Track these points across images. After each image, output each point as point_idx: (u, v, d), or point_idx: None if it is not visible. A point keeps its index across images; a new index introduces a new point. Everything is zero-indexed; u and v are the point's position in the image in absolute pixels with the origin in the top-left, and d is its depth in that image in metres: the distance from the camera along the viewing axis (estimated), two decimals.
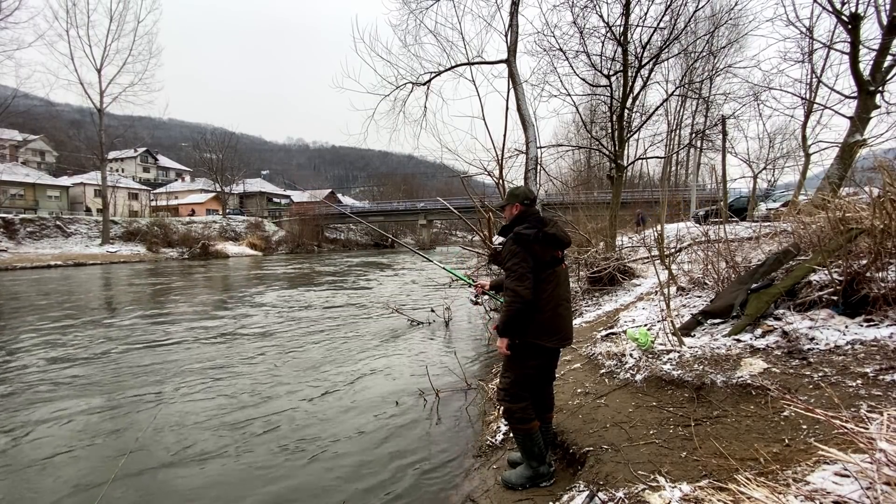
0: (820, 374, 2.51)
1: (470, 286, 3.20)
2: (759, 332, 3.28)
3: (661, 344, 3.49)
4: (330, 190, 69.17)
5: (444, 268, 3.92)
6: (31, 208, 38.90)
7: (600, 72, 9.31)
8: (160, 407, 4.33)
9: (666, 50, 9.08)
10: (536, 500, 2.33)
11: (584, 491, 2.14)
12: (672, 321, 3.53)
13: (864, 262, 3.25)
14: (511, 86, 9.76)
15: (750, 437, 2.18)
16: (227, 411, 4.22)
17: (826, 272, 3.44)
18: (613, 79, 9.29)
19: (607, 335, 4.39)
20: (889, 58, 7.24)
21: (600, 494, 2.00)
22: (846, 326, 2.98)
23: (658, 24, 8.55)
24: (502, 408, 2.48)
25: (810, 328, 3.07)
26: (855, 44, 7.43)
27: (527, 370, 2.37)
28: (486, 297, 3.10)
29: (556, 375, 3.01)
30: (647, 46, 8.83)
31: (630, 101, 9.34)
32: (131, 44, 31.57)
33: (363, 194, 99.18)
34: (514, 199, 2.47)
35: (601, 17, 8.74)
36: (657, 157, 22.33)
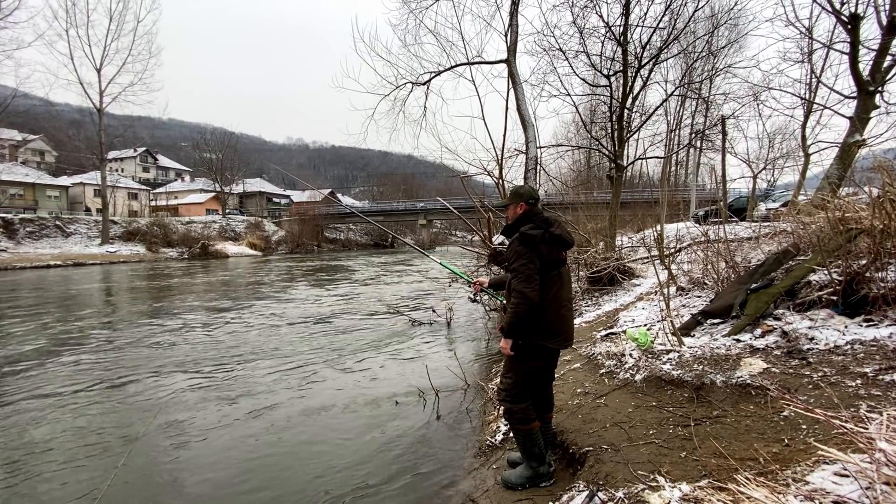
0: (819, 374, 2.51)
1: (469, 284, 3.19)
2: (758, 332, 3.29)
3: (660, 344, 3.49)
4: (329, 190, 69.10)
5: (442, 264, 3.91)
6: (30, 208, 38.88)
7: (600, 72, 9.32)
8: (160, 407, 4.33)
9: (666, 50, 9.08)
10: (536, 500, 2.33)
11: (583, 491, 2.14)
12: (672, 321, 3.53)
13: (864, 262, 3.25)
14: (511, 86, 9.76)
15: (749, 437, 2.18)
16: (225, 410, 4.22)
17: (826, 272, 3.44)
18: (613, 79, 9.29)
19: (607, 335, 4.39)
20: (888, 58, 7.24)
21: (600, 494, 2.01)
22: (846, 326, 2.98)
23: (658, 25, 8.56)
24: (503, 408, 2.48)
25: (810, 328, 3.07)
26: (854, 44, 7.43)
27: (529, 371, 2.36)
28: (486, 295, 3.10)
29: (556, 375, 3.01)
30: (647, 46, 8.84)
31: (630, 101, 9.35)
32: (131, 43, 31.68)
33: (363, 194, 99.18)
34: (519, 199, 2.42)
35: (601, 17, 8.76)
36: (657, 157, 22.29)
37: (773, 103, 14.30)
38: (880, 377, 2.31)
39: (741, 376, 2.67)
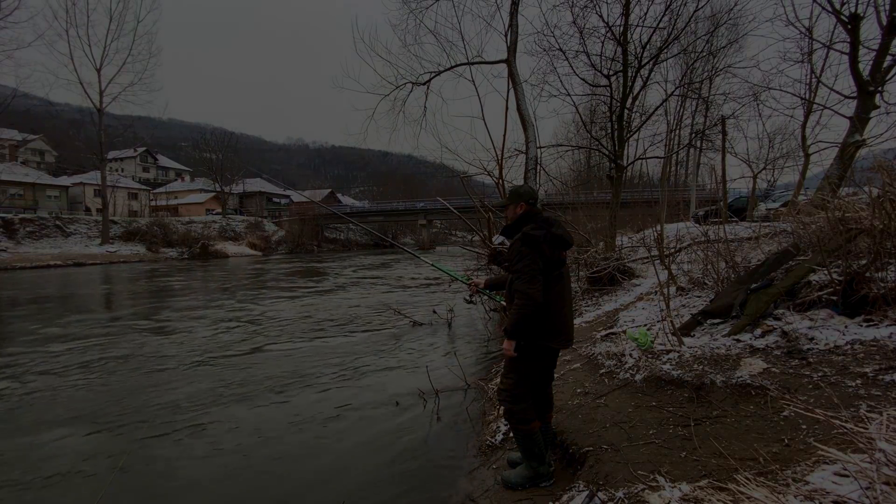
0: (819, 374, 2.51)
1: (466, 285, 3.18)
2: (758, 332, 3.29)
3: (660, 344, 3.49)
4: (329, 190, 69.10)
5: (437, 266, 3.89)
6: (30, 208, 38.80)
7: (600, 72, 9.32)
8: (160, 407, 4.33)
9: (666, 50, 9.08)
10: (536, 500, 2.33)
11: (583, 491, 2.14)
12: (672, 321, 3.54)
13: (864, 262, 3.25)
14: (511, 86, 9.76)
15: (749, 437, 2.18)
16: (225, 411, 4.22)
17: (826, 272, 3.44)
18: (613, 79, 9.29)
19: (607, 335, 4.39)
20: (888, 58, 7.24)
21: (600, 494, 2.01)
22: (846, 326, 2.98)
23: (658, 24, 8.57)
24: (503, 408, 2.47)
25: (810, 328, 3.07)
26: (854, 44, 7.43)
27: (529, 371, 2.36)
28: (485, 296, 3.09)
29: (556, 375, 3.01)
30: (647, 46, 8.84)
31: (630, 101, 9.35)
32: (131, 43, 31.70)
33: (363, 194, 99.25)
34: (519, 199, 2.41)
35: (601, 17, 8.76)
36: (657, 157, 22.29)
37: (773, 103, 14.34)
38: (880, 377, 2.31)
39: (741, 376, 2.67)
